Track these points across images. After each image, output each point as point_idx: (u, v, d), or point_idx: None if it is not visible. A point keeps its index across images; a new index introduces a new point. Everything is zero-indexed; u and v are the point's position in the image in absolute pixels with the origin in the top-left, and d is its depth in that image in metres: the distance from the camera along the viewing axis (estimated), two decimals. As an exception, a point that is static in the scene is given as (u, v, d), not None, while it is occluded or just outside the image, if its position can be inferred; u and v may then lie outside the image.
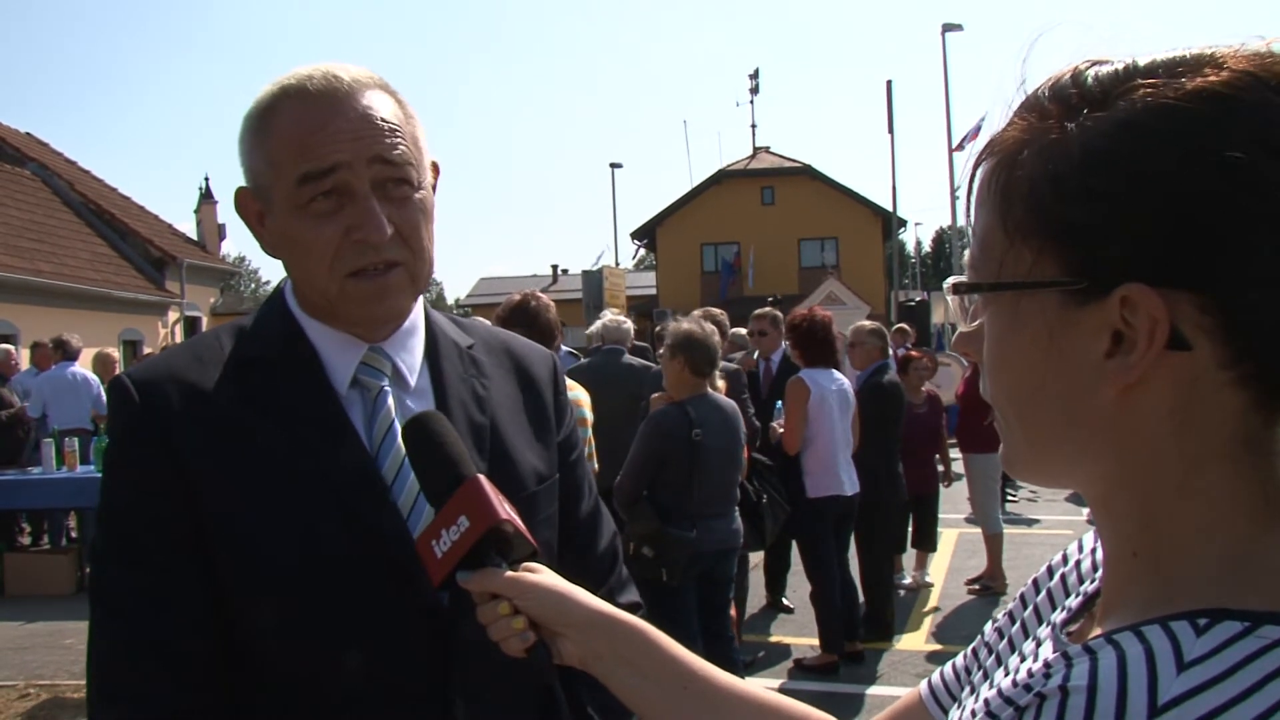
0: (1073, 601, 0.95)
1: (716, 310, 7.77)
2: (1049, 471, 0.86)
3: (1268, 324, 0.72)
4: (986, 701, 0.76)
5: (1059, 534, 10.73)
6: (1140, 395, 0.75)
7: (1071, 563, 1.01)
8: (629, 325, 7.45)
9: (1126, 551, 0.80)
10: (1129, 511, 0.80)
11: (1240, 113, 0.72)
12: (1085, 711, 0.67)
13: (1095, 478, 0.82)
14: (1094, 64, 0.80)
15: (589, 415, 5.21)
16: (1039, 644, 0.94)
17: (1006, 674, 0.79)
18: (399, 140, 1.42)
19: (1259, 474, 0.76)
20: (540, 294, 5.42)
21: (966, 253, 0.87)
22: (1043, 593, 1.02)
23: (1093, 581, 0.94)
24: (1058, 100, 0.80)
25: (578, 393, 5.02)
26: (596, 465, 5.24)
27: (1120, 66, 0.79)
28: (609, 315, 7.53)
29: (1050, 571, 1.03)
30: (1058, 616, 0.95)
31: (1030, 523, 11.39)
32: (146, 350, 21.96)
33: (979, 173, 0.84)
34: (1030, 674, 0.74)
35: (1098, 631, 0.78)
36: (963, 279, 0.86)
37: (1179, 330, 0.73)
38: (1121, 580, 0.81)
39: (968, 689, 1.04)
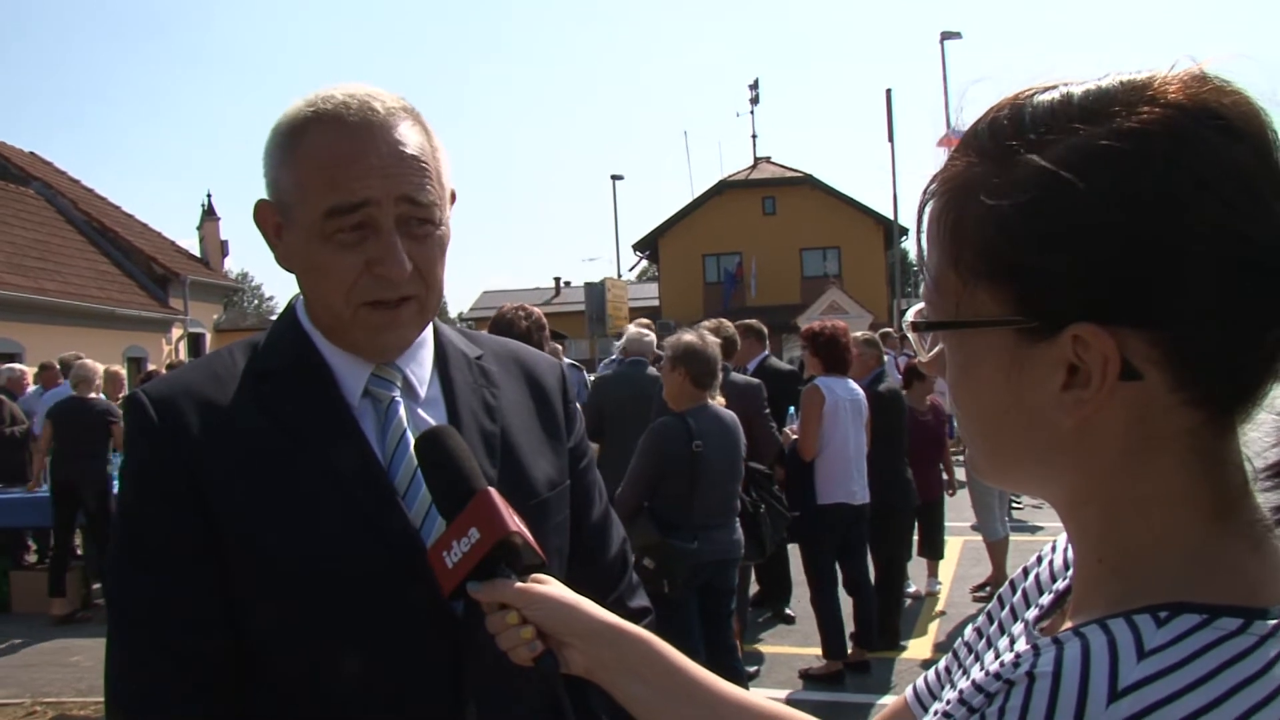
0: (1045, 599, 0.98)
1: (727, 322, 7.81)
2: (1012, 481, 0.91)
3: (1210, 351, 0.75)
4: (960, 691, 0.78)
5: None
6: (1098, 419, 0.79)
7: (1045, 563, 1.05)
8: (651, 337, 7.67)
9: (1092, 557, 0.84)
10: (1093, 521, 0.83)
11: (1171, 152, 0.74)
12: (1049, 695, 0.70)
13: (1060, 490, 0.86)
14: (1031, 95, 0.82)
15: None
16: (1013, 640, 0.97)
17: (983, 669, 0.82)
18: (426, 180, 1.45)
19: (1211, 481, 0.79)
20: (528, 306, 5.47)
21: (922, 285, 0.90)
22: (1018, 593, 1.05)
23: (1063, 580, 0.97)
24: (996, 140, 0.82)
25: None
26: None
27: (1056, 100, 0.81)
28: (632, 328, 7.69)
29: (1025, 573, 1.07)
30: (1030, 614, 0.98)
31: (1034, 530, 11.37)
32: (151, 367, 21.95)
33: (927, 209, 0.87)
34: (1002, 665, 0.77)
35: (1067, 626, 0.82)
36: (921, 310, 0.90)
37: (1130, 362, 0.76)
38: (1089, 583, 0.85)
39: (948, 687, 1.06)
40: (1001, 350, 0.81)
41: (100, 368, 9.91)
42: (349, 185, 1.40)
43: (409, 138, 1.45)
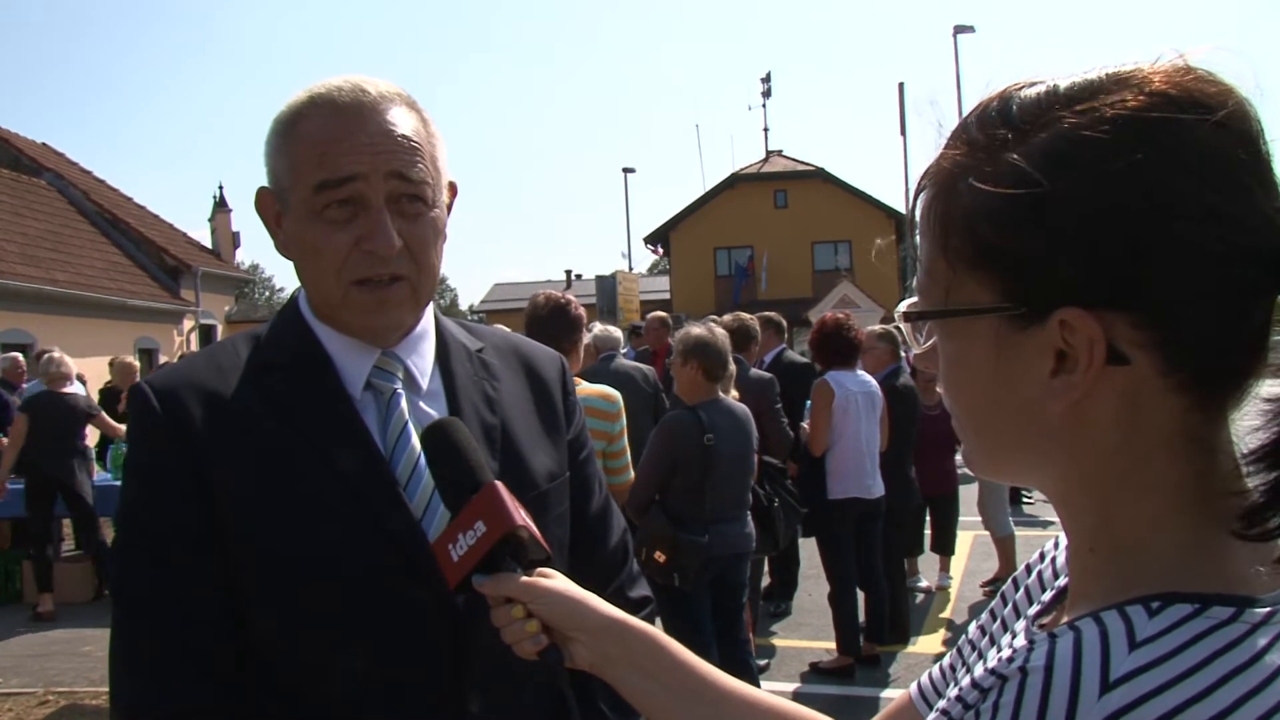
0: (1046, 595, 0.99)
1: (745, 315, 7.81)
2: (1007, 473, 0.92)
3: (1195, 335, 0.76)
4: (960, 689, 0.78)
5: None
6: (1088, 406, 0.80)
7: (1048, 560, 1.05)
8: (618, 332, 7.76)
9: (1085, 547, 0.85)
10: (1086, 510, 0.84)
11: (1155, 138, 0.76)
12: (1042, 689, 0.70)
13: (1053, 480, 0.86)
14: (1019, 88, 0.84)
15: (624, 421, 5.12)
16: (1014, 637, 0.98)
17: (984, 666, 0.82)
18: (418, 158, 1.45)
19: (1202, 468, 0.80)
20: (552, 293, 5.43)
21: (915, 277, 0.91)
22: (1021, 590, 1.06)
23: (1065, 577, 0.98)
24: (985, 131, 0.83)
25: (611, 393, 4.97)
26: (632, 474, 5.17)
27: (1042, 92, 0.82)
28: (598, 326, 7.77)
29: (1028, 569, 1.08)
30: (1032, 610, 0.99)
31: (1045, 524, 11.35)
32: (163, 359, 22.03)
33: (919, 201, 0.88)
34: (999, 661, 0.77)
35: (1065, 619, 0.82)
36: (914, 301, 0.91)
37: (1116, 347, 0.77)
38: (1084, 574, 0.86)
39: (951, 685, 1.06)
40: (991, 338, 0.82)
41: (71, 361, 9.73)
42: (337, 161, 1.41)
43: (401, 120, 1.46)
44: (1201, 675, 0.69)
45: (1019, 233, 0.79)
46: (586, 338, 7.49)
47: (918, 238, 0.89)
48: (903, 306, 0.92)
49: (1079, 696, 0.69)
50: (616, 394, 4.96)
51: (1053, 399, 0.80)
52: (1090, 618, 0.75)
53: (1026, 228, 0.78)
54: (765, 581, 8.07)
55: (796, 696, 6.21)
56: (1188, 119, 0.76)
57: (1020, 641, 0.88)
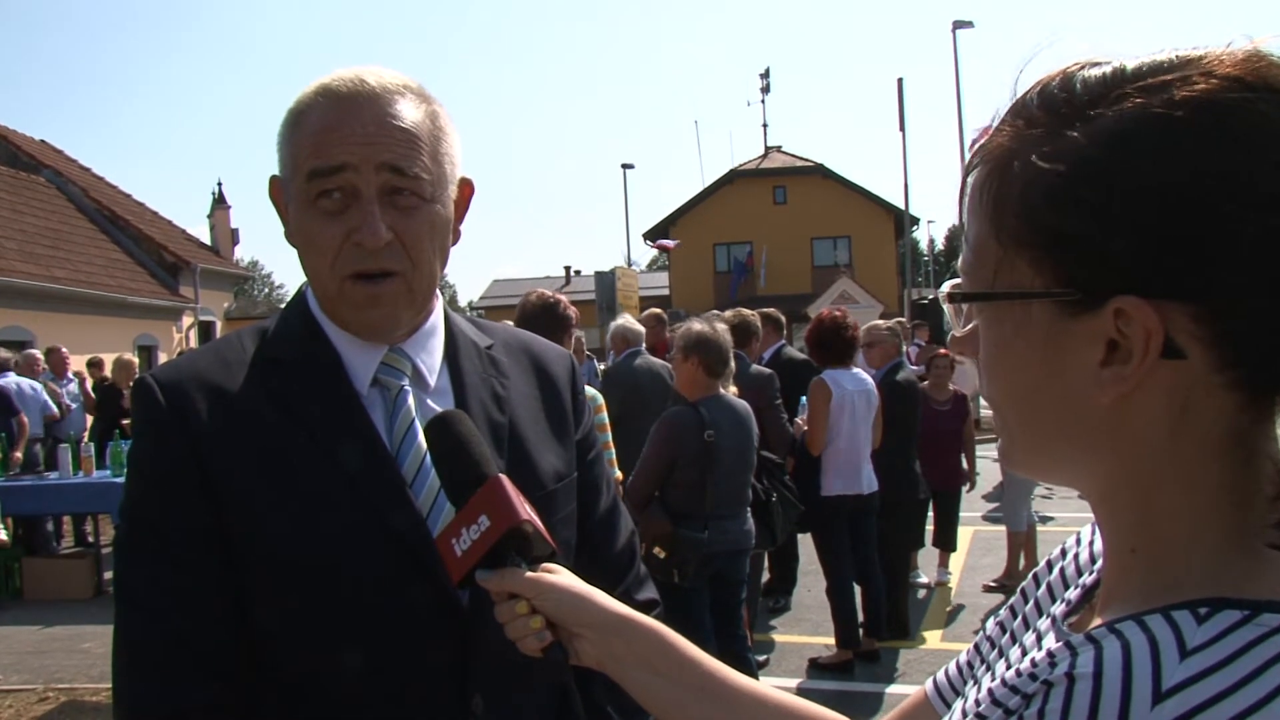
0: (1072, 594, 0.96)
1: (747, 311, 7.80)
2: (1045, 468, 0.88)
3: (1257, 331, 0.73)
4: (990, 690, 0.76)
5: (1075, 531, 10.63)
6: (1136, 400, 0.76)
7: (1070, 556, 1.02)
8: (641, 328, 7.75)
9: (1125, 547, 0.82)
10: (1127, 508, 0.81)
11: (1226, 122, 0.72)
12: (1091, 697, 0.68)
13: (1093, 476, 0.83)
14: (1082, 67, 0.80)
15: (606, 417, 5.18)
16: (1040, 636, 0.95)
17: (1008, 666, 0.80)
18: (415, 151, 1.43)
19: (1250, 469, 0.77)
20: (541, 291, 5.43)
21: (961, 257, 0.88)
22: (1042, 586, 1.03)
23: (1090, 574, 0.95)
24: (1047, 108, 0.80)
25: (593, 393, 5.01)
26: (619, 473, 5.19)
27: (1108, 71, 0.79)
28: (626, 318, 7.71)
29: (1050, 566, 1.05)
30: (1057, 609, 0.96)
31: (1045, 520, 11.34)
32: (162, 356, 21.99)
33: (970, 179, 0.84)
34: (1034, 663, 0.74)
35: (1098, 622, 0.79)
36: (958, 283, 0.87)
37: (1173, 339, 0.73)
38: (1121, 574, 0.82)
39: (970, 683, 1.04)
40: (1039, 324, 0.79)
41: None
42: (329, 150, 1.40)
43: (403, 112, 1.43)
44: (1256, 685, 0.66)
45: (1078, 214, 0.75)
46: (613, 329, 7.51)
47: (964, 217, 0.85)
48: (946, 287, 0.88)
49: (1130, 705, 0.67)
50: (593, 392, 4.99)
51: (1100, 390, 0.76)
52: (1134, 622, 0.72)
53: (1086, 209, 0.74)
54: (765, 577, 8.07)
55: (797, 692, 6.19)
56: (1260, 104, 0.72)
57: (1052, 643, 0.85)
